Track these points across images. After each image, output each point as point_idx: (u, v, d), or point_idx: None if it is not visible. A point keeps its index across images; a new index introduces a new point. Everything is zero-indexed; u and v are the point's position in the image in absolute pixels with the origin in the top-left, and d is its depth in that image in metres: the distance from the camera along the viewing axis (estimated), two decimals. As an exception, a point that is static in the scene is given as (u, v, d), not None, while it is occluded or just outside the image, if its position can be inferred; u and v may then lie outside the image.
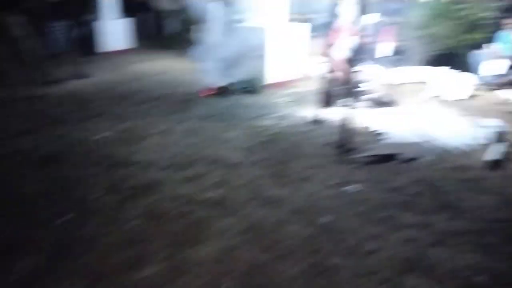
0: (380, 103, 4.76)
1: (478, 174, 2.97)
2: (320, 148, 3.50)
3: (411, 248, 2.13)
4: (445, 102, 4.97)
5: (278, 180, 2.88)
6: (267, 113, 4.48)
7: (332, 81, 4.60)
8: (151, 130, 3.88)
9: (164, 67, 7.02)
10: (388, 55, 7.12)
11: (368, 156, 3.22)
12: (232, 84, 5.25)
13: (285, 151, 3.45)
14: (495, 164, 3.07)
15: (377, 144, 3.53)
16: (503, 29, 5.77)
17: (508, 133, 3.53)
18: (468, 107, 4.75)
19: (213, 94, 5.13)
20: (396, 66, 6.72)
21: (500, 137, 3.45)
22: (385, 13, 10.45)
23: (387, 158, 3.22)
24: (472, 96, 5.21)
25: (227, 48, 5.58)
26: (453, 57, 7.15)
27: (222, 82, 5.24)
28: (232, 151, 3.41)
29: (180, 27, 8.97)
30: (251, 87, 5.22)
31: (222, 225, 2.33)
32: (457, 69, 6.39)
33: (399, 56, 7.17)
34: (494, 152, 3.19)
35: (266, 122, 4.22)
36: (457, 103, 4.94)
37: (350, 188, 2.78)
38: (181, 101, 4.97)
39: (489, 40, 6.60)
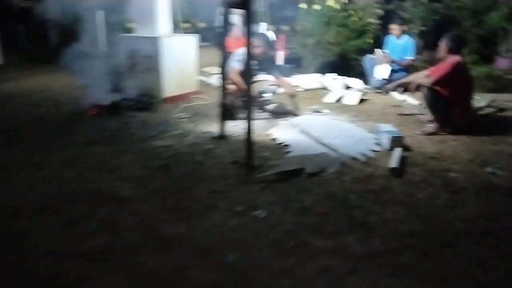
0: (282, 113, 4.65)
1: (383, 184, 2.93)
2: (225, 168, 3.21)
3: (328, 280, 1.93)
4: (342, 108, 5.05)
5: (178, 214, 2.51)
6: (165, 131, 4.07)
7: (232, 93, 4.36)
8: (21, 164, 3.22)
9: (43, 84, 6.15)
10: (282, 63, 7.17)
11: (274, 174, 3.01)
12: (124, 100, 4.72)
13: (186, 176, 3.09)
14: (398, 171, 3.07)
15: (282, 159, 3.35)
16: (389, 34, 6.10)
17: (403, 138, 3.61)
18: (364, 111, 4.87)
19: (102, 113, 4.55)
20: (291, 74, 6.78)
21: (396, 143, 3.51)
22: (277, 21, 10.68)
23: (294, 173, 3.04)
24: (366, 100, 5.39)
25: (117, 60, 5.06)
26: (346, 63, 7.47)
27: (112, 98, 4.69)
28: (123, 182, 2.95)
29: (64, 37, 8.08)
30: (145, 102, 4.75)
31: (107, 284, 1.89)
32: (350, 75, 6.66)
33: (293, 65, 7.26)
34: (394, 159, 3.21)
35: (164, 141, 3.81)
36: (353, 108, 5.05)
37: (258, 213, 2.52)
38: (62, 123, 4.31)
39: (378, 45, 7.00)
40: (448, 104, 3.85)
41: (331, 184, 2.93)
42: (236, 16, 5.96)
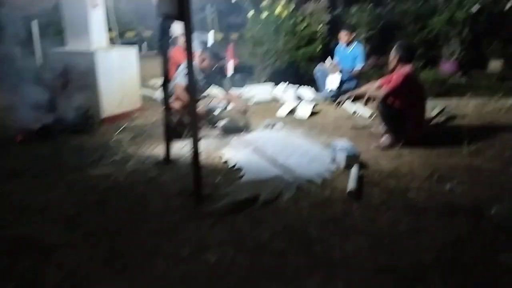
0: (233, 129, 4.38)
1: (342, 209, 2.74)
2: (170, 200, 2.88)
3: None
4: (295, 121, 4.86)
5: (113, 264, 2.16)
6: (103, 157, 3.67)
7: (178, 111, 4.04)
8: None
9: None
10: (232, 74, 6.92)
11: (226, 205, 2.73)
12: (56, 122, 4.25)
13: (125, 213, 2.73)
14: (356, 194, 2.89)
15: (235, 185, 3.07)
16: (338, 42, 6.02)
17: (359, 155, 3.46)
18: (317, 125, 4.71)
19: (32, 138, 4.06)
20: (242, 85, 6.55)
21: (352, 161, 3.35)
22: (225, 29, 10.42)
23: (247, 202, 2.77)
24: (319, 113, 5.25)
25: (50, 77, 4.57)
26: (296, 71, 7.34)
27: (43, 120, 4.21)
28: (50, 225, 2.55)
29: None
30: (81, 124, 4.30)
31: None
32: (302, 84, 6.53)
33: (243, 75, 7.04)
34: (351, 180, 3.03)
35: (102, 170, 3.42)
36: (306, 121, 4.88)
37: (208, 256, 2.23)
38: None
39: (327, 52, 6.92)
40: (402, 116, 3.75)
41: (287, 212, 2.70)
42: (179, 26, 5.62)
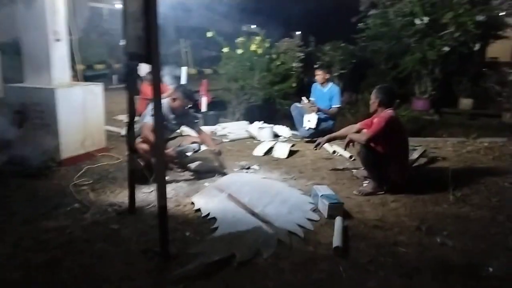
0: (206, 172, 4.08)
1: (327, 270, 2.45)
2: (132, 261, 2.51)
3: None
4: (272, 162, 4.62)
5: None
6: (59, 206, 3.28)
7: (144, 153, 3.72)
8: None
9: None
10: (205, 111, 6.70)
11: (197, 267, 2.39)
12: (8, 165, 3.83)
13: (80, 277, 2.34)
14: (342, 250, 2.62)
15: (207, 242, 2.74)
16: (314, 82, 5.91)
17: (342, 204, 3.21)
18: (295, 166, 4.47)
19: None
20: (216, 122, 6.31)
21: (335, 210, 3.11)
22: (199, 64, 10.28)
23: (221, 264, 2.45)
24: (297, 152, 5.03)
25: (4, 114, 4.18)
26: (272, 107, 7.19)
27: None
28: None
29: None
30: (38, 166, 3.88)
31: None
32: (277, 121, 6.35)
33: (217, 111, 6.82)
34: (336, 234, 2.77)
35: (57, 222, 3.02)
36: (284, 162, 4.64)
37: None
38: None
39: (301, 89, 6.81)
40: (384, 161, 3.57)
41: (267, 276, 2.38)
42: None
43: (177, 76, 6.88)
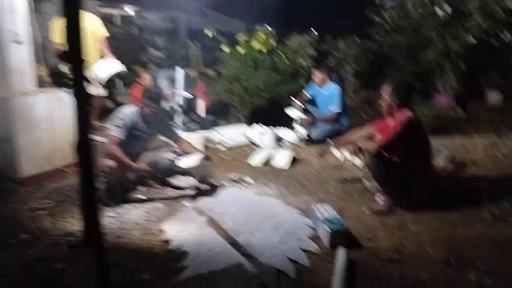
0: (187, 189, 3.48)
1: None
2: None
3: None
4: (270, 174, 3.97)
5: None
6: (6, 237, 2.72)
7: (111, 171, 3.15)
8: None
9: None
10: (203, 116, 6.13)
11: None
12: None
13: None
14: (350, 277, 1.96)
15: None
16: (312, 81, 5.27)
17: (347, 231, 2.55)
18: (296, 178, 3.82)
19: None
20: (213, 127, 5.70)
21: (339, 239, 2.45)
22: (198, 66, 9.71)
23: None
24: (301, 161, 4.37)
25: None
26: (279, 110, 6.54)
27: None
28: None
29: None
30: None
31: None
32: (283, 124, 5.70)
33: (216, 116, 6.24)
34: (338, 273, 2.11)
35: (5, 253, 2.47)
36: (284, 173, 3.99)
37: None
38: None
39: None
40: (401, 172, 2.88)
41: None
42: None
43: (172, 78, 6.35)
